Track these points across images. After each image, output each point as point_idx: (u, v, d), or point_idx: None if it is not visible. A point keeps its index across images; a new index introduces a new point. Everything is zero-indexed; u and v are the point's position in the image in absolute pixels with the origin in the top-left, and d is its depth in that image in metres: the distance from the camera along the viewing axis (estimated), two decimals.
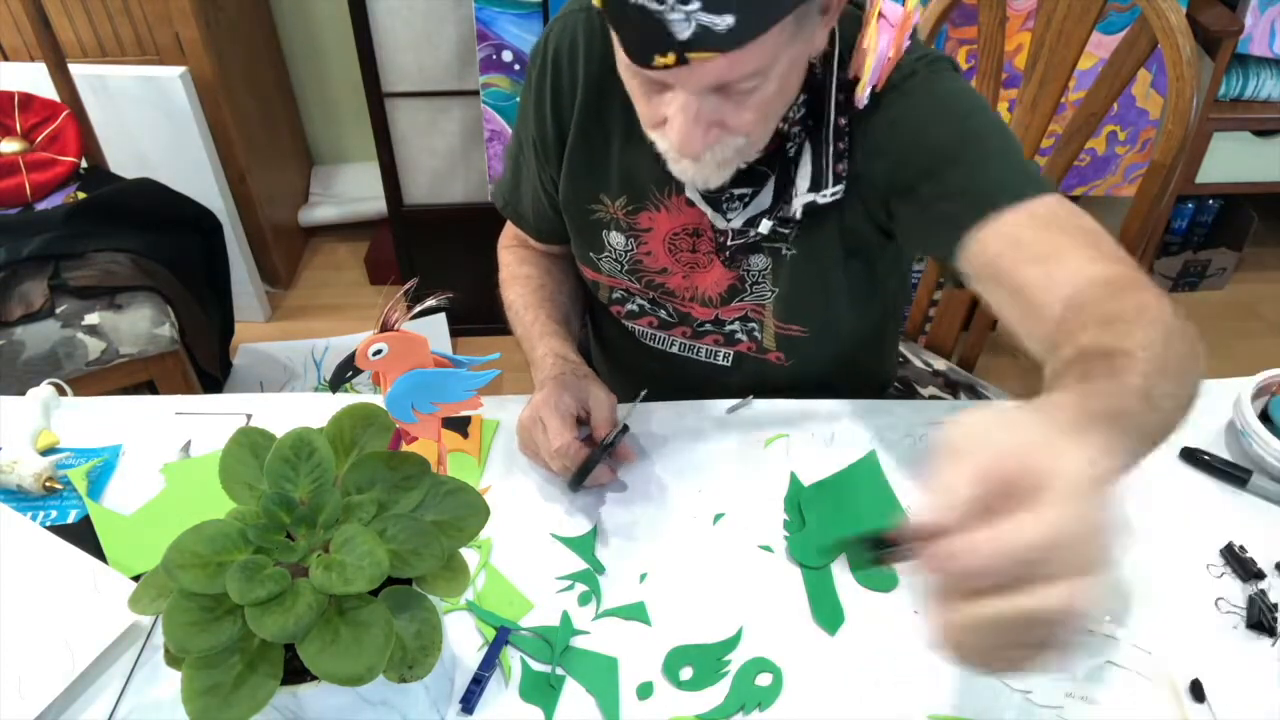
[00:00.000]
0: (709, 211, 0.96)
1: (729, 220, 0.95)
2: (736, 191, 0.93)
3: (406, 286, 0.79)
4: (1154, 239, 2.42)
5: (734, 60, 0.71)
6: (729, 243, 0.97)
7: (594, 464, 0.91)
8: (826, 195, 0.90)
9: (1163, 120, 1.14)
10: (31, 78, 1.88)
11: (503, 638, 0.82)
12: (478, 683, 0.78)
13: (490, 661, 0.80)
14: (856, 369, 1.15)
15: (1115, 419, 0.56)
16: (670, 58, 0.70)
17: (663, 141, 0.82)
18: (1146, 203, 1.18)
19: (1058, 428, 0.51)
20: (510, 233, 1.20)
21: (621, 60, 0.77)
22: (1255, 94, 2.15)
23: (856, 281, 0.99)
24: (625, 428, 0.95)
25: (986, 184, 0.82)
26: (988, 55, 1.30)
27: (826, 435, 1.00)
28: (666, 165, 0.86)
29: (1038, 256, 0.76)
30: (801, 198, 0.91)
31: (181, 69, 2.09)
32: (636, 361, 1.16)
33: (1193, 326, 0.67)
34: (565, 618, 0.84)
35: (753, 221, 0.94)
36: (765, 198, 0.93)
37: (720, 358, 1.09)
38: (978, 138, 0.85)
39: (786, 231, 0.95)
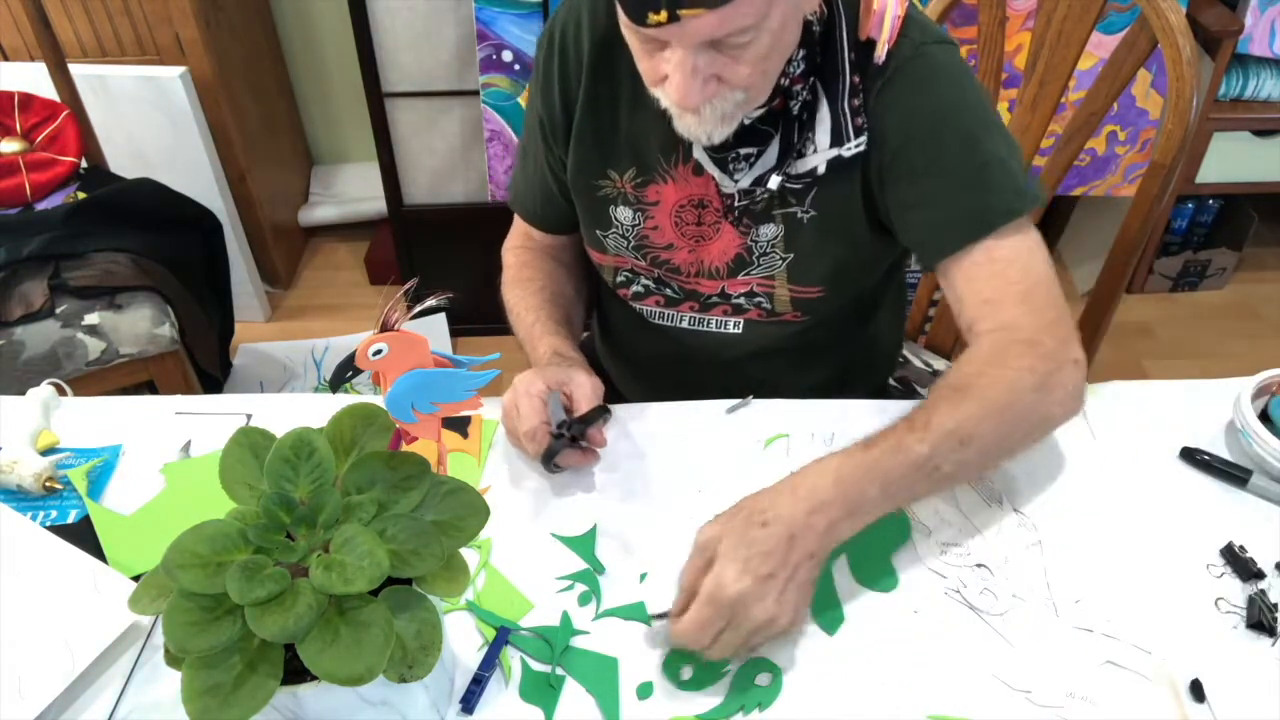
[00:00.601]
0: (716, 173, 0.97)
1: (736, 181, 0.97)
2: (743, 151, 0.95)
3: (406, 286, 0.79)
4: (1154, 239, 2.42)
5: (723, 16, 0.75)
6: (736, 204, 0.98)
7: (558, 446, 0.93)
8: (850, 149, 0.93)
9: (1163, 120, 1.14)
10: (31, 78, 1.88)
11: (503, 638, 0.82)
12: (478, 683, 0.78)
13: (490, 661, 0.80)
14: (866, 324, 1.16)
15: (863, 478, 0.81)
16: (663, 15, 0.75)
17: (664, 98, 0.86)
18: (1146, 203, 1.18)
19: (739, 533, 0.79)
20: (516, 233, 1.20)
21: (622, 19, 0.81)
22: (1255, 94, 2.14)
23: (878, 232, 1.00)
24: (605, 410, 0.96)
25: (974, 205, 0.91)
26: (988, 55, 1.30)
27: (826, 435, 1.00)
28: (673, 126, 0.89)
29: (984, 296, 0.91)
30: (824, 153, 0.93)
31: (181, 69, 2.09)
32: (645, 346, 1.16)
33: (1047, 397, 0.86)
34: (565, 618, 0.84)
35: (760, 180, 0.95)
36: (771, 156, 0.95)
37: (731, 326, 1.09)
38: (974, 142, 0.91)
39: (799, 188, 0.96)
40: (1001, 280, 0.90)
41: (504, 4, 1.87)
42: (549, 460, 0.94)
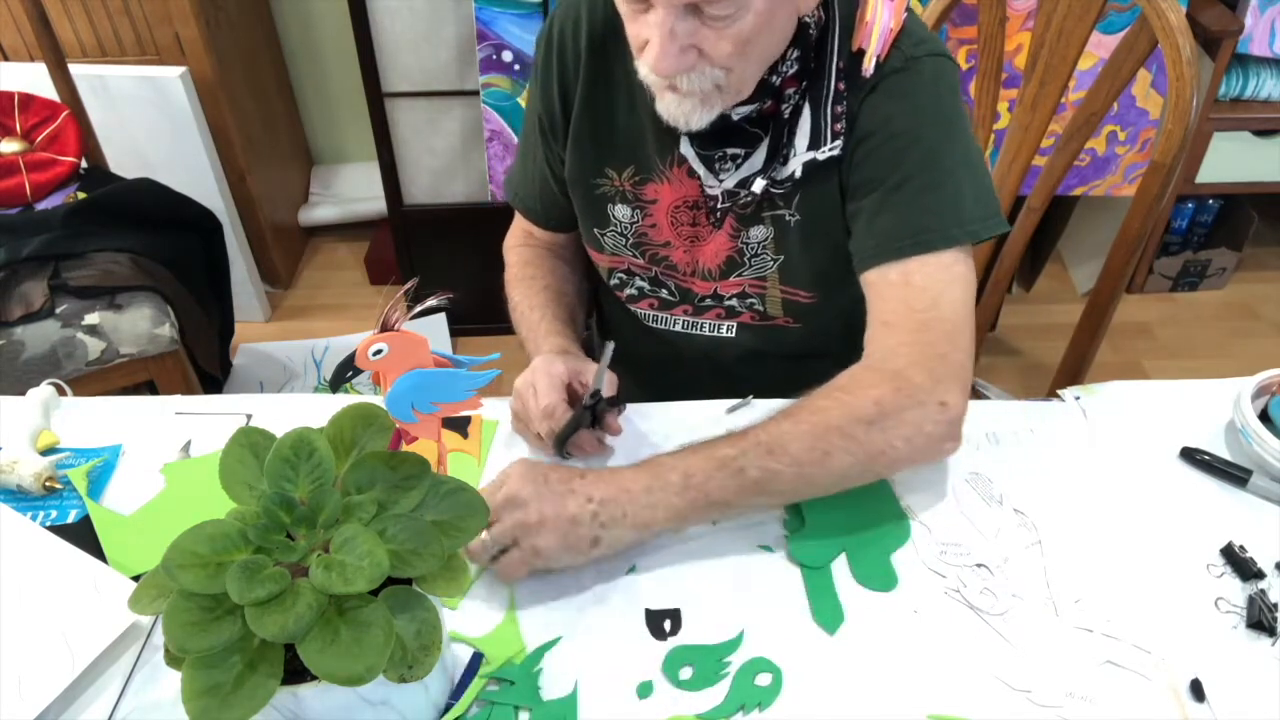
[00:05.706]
0: (702, 171, 0.97)
1: (721, 180, 0.97)
2: (730, 151, 0.95)
3: (406, 286, 0.80)
4: (1154, 239, 2.42)
5: None
6: (720, 205, 0.98)
7: (576, 425, 0.92)
8: (824, 152, 0.92)
9: (1163, 120, 1.14)
10: (31, 78, 1.88)
11: (474, 665, 0.79)
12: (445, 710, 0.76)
13: (459, 690, 0.77)
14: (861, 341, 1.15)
15: (665, 464, 0.84)
16: None
17: (644, 67, 0.85)
18: (1146, 203, 1.18)
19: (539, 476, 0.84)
20: (516, 230, 1.20)
21: None
22: (1255, 94, 2.15)
23: None
24: (618, 399, 0.96)
25: (907, 223, 0.90)
26: (988, 55, 1.30)
27: None
28: (664, 126, 0.89)
29: (884, 317, 0.90)
30: (801, 156, 0.93)
31: (181, 69, 2.09)
32: (642, 348, 1.16)
33: (888, 432, 0.84)
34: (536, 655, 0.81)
35: (745, 183, 0.95)
36: (758, 159, 0.95)
37: (724, 329, 1.10)
38: (931, 160, 0.90)
39: (780, 192, 0.96)
40: (906, 306, 0.89)
41: (504, 4, 1.87)
42: (563, 443, 0.93)
